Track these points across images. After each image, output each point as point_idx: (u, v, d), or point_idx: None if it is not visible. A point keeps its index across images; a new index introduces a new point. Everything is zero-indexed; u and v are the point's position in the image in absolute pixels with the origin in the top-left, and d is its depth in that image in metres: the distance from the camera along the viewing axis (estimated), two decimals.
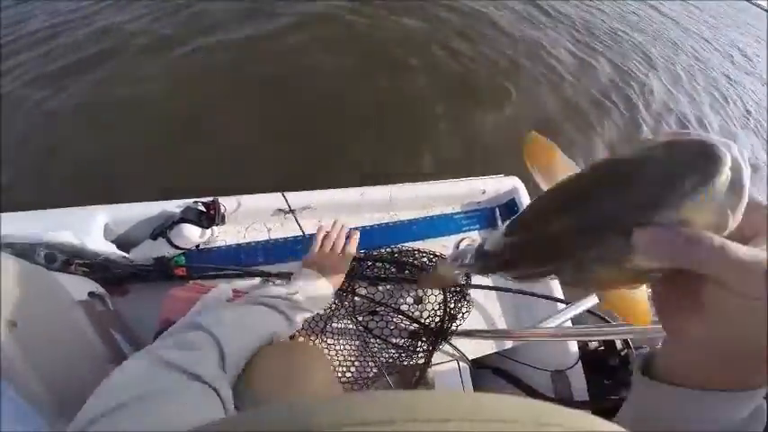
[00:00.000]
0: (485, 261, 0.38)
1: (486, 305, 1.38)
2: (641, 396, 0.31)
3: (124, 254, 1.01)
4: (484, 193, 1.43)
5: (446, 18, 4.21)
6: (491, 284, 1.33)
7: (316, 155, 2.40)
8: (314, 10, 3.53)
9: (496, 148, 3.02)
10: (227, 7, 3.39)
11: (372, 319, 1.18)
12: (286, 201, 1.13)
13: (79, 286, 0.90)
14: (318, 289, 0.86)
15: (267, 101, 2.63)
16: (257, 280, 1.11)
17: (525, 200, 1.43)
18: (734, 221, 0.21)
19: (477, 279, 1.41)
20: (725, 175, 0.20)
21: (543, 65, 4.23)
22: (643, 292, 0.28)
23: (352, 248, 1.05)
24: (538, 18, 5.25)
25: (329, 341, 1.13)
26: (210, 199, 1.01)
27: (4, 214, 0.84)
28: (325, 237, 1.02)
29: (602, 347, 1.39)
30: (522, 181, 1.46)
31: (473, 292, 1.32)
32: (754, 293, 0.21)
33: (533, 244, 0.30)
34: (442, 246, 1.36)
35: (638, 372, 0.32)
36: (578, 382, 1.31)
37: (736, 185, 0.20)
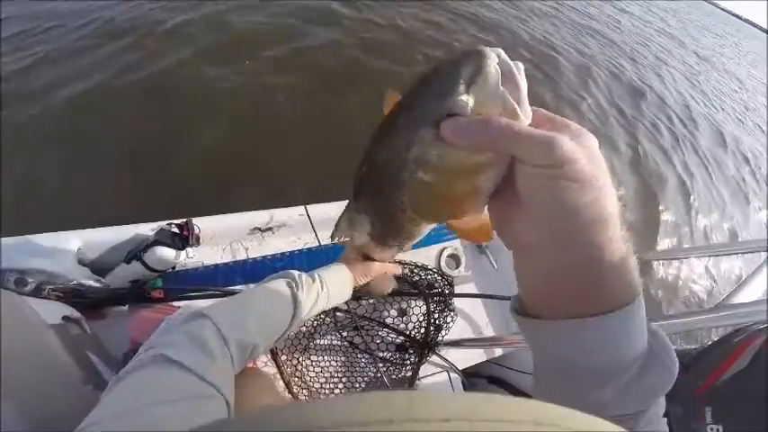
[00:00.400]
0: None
1: (473, 314, 1.35)
2: (525, 335, 0.32)
3: (99, 278, 1.02)
4: None
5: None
6: (476, 292, 1.31)
7: (295, 171, 2.31)
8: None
9: None
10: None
11: (357, 334, 1.16)
12: (271, 219, 1.15)
13: (53, 311, 0.90)
14: (340, 282, 0.76)
15: (236, 119, 2.55)
16: None
17: None
18: (522, 112, 0.25)
19: (464, 288, 1.39)
20: (492, 66, 0.24)
21: None
22: (486, 216, 0.32)
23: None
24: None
25: (313, 358, 1.10)
26: (183, 220, 1.03)
27: None
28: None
29: None
30: None
31: (459, 302, 1.31)
32: (543, 161, 0.23)
33: (369, 171, 0.32)
34: (426, 256, 1.35)
35: (512, 311, 0.33)
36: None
37: (507, 75, 0.25)
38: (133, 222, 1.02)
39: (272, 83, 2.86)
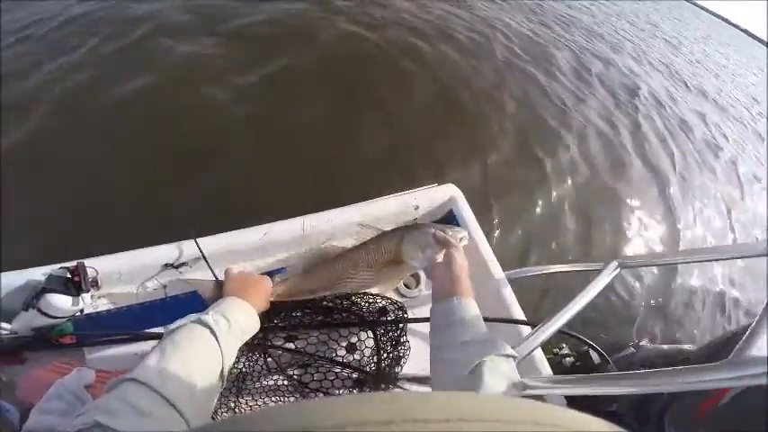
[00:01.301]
0: None
1: None
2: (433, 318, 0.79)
3: (5, 324, 0.98)
4: (417, 208, 1.22)
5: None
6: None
7: (206, 197, 2.09)
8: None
9: (420, 153, 2.70)
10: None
11: (306, 372, 1.03)
12: (199, 247, 1.01)
13: None
14: (245, 315, 0.75)
15: (144, 142, 2.29)
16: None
17: (465, 210, 1.20)
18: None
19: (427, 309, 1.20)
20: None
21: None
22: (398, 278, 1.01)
23: (268, 282, 0.94)
24: None
25: (259, 401, 0.99)
26: (74, 264, 0.94)
27: None
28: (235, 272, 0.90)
29: (578, 362, 1.35)
30: (461, 188, 1.23)
31: (423, 327, 1.12)
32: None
33: None
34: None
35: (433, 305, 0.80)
36: (557, 402, 1.04)
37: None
38: (20, 268, 0.95)
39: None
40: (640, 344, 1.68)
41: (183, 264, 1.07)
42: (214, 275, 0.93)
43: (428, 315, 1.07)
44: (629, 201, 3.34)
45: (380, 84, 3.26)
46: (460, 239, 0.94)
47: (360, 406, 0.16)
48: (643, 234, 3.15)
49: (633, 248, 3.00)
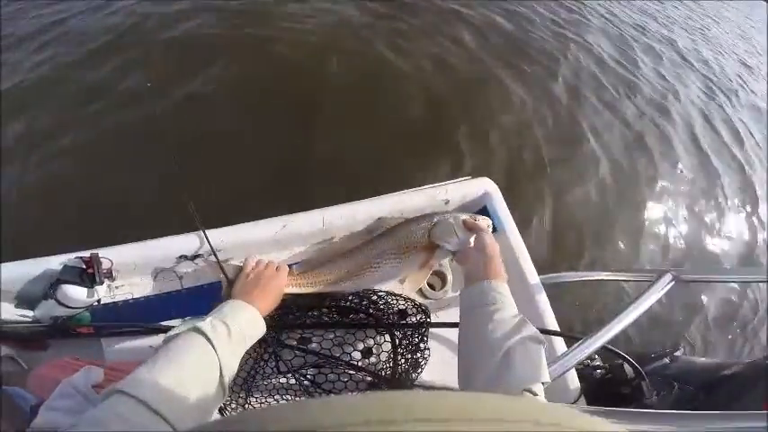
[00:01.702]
0: None
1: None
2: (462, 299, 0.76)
3: (27, 312, 0.98)
4: (447, 203, 1.11)
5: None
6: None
7: (230, 185, 2.03)
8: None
9: (459, 142, 2.42)
10: None
11: (320, 373, 0.99)
12: (208, 240, 0.97)
13: None
14: (248, 320, 0.73)
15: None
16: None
17: (501, 207, 1.08)
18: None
19: (451, 313, 1.11)
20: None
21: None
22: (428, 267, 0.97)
23: (283, 277, 0.90)
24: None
25: (270, 400, 0.96)
26: (88, 255, 0.91)
27: None
28: (249, 270, 0.88)
29: (610, 375, 1.29)
30: (496, 182, 1.11)
31: (446, 332, 1.04)
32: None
33: None
34: (401, 288, 1.09)
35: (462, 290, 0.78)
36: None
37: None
38: (39, 255, 0.93)
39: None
40: (676, 354, 1.56)
41: (198, 255, 1.02)
42: (223, 272, 0.87)
43: (453, 320, 1.01)
44: (687, 203, 2.94)
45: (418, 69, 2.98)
46: (487, 227, 0.96)
47: (362, 406, 0.16)
48: (702, 243, 2.78)
49: (687, 257, 2.64)
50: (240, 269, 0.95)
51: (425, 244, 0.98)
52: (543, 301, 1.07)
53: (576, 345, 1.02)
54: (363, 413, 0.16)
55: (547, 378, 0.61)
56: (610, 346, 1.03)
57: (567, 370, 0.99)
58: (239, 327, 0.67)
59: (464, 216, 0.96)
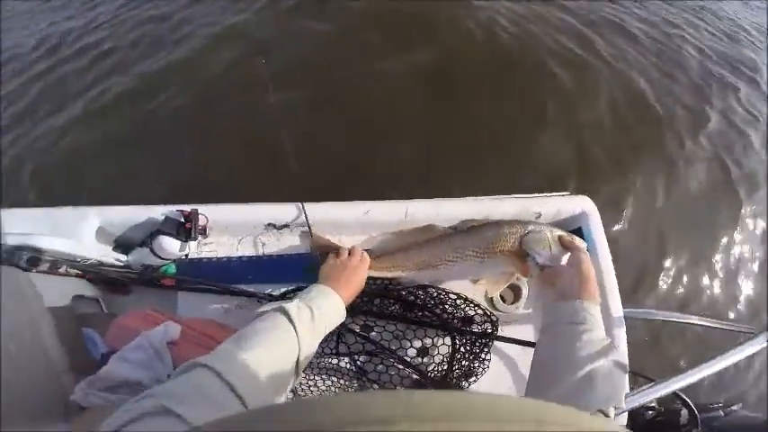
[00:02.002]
0: None
1: (521, 364, 1.04)
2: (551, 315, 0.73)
3: (121, 256, 1.03)
4: (539, 216, 1.06)
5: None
6: (530, 339, 0.99)
7: (335, 164, 2.04)
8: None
9: (562, 160, 2.20)
10: None
11: (370, 361, 1.00)
12: (305, 214, 0.99)
13: (66, 287, 0.94)
14: (332, 307, 0.74)
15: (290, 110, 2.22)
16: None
17: (597, 230, 1.02)
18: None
19: (517, 330, 1.07)
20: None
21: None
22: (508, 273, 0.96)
23: (366, 267, 0.91)
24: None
25: (316, 378, 0.98)
26: (189, 209, 0.94)
27: None
28: (338, 254, 0.89)
29: (660, 418, 1.26)
30: (595, 203, 1.04)
31: (507, 347, 1.01)
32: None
33: None
34: (474, 289, 1.05)
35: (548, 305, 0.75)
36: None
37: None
38: (150, 203, 0.98)
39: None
40: (732, 408, 1.45)
41: (285, 226, 1.03)
42: (313, 245, 0.88)
43: (519, 336, 0.98)
44: None
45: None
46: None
47: (360, 405, 0.16)
48: None
49: None
50: (327, 244, 0.96)
51: (514, 250, 0.93)
52: (621, 336, 1.01)
53: (647, 386, 0.98)
54: (361, 412, 0.16)
55: (623, 404, 0.60)
56: (680, 393, 0.98)
57: (632, 408, 0.95)
58: (323, 313, 0.68)
59: (560, 232, 0.91)
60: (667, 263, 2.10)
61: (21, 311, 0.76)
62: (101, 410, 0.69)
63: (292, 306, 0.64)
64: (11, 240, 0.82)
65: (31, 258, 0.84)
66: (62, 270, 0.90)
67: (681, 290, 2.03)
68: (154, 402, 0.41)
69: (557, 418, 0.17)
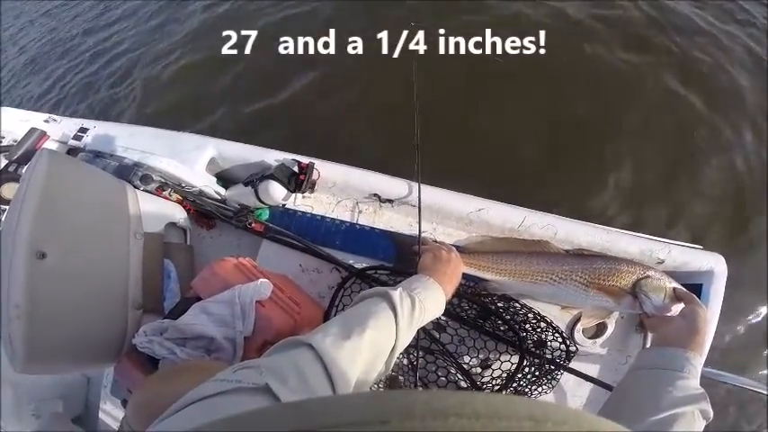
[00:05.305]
0: None
1: (573, 397, 1.01)
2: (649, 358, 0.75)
3: (220, 189, 0.99)
4: (661, 263, 0.97)
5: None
6: (594, 376, 0.95)
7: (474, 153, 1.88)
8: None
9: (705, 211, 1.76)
10: None
11: (424, 357, 0.97)
12: (419, 194, 0.90)
13: (165, 211, 0.91)
14: (434, 300, 0.71)
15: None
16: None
17: (718, 293, 0.93)
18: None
19: (584, 365, 1.03)
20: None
21: None
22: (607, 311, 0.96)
23: (461, 264, 0.87)
24: None
25: None
26: (307, 161, 0.88)
27: (127, 126, 0.86)
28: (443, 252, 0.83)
29: None
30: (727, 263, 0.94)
31: (571, 381, 0.98)
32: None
33: None
34: (559, 314, 0.99)
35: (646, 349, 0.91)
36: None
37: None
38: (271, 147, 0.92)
39: None
40: None
41: (389, 200, 0.97)
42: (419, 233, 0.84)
43: (587, 372, 0.93)
44: None
45: None
46: None
47: (358, 405, 0.16)
48: None
49: None
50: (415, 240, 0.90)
51: (626, 289, 0.90)
52: None
53: None
54: (359, 412, 0.15)
55: None
56: None
57: None
58: (424, 305, 0.66)
59: (677, 285, 0.89)
60: None
61: (121, 232, 0.73)
62: (173, 370, 0.66)
63: (396, 295, 0.61)
64: (133, 156, 0.79)
65: (145, 177, 0.81)
66: (166, 193, 0.88)
67: None
68: (255, 379, 0.39)
69: (555, 417, 0.16)
